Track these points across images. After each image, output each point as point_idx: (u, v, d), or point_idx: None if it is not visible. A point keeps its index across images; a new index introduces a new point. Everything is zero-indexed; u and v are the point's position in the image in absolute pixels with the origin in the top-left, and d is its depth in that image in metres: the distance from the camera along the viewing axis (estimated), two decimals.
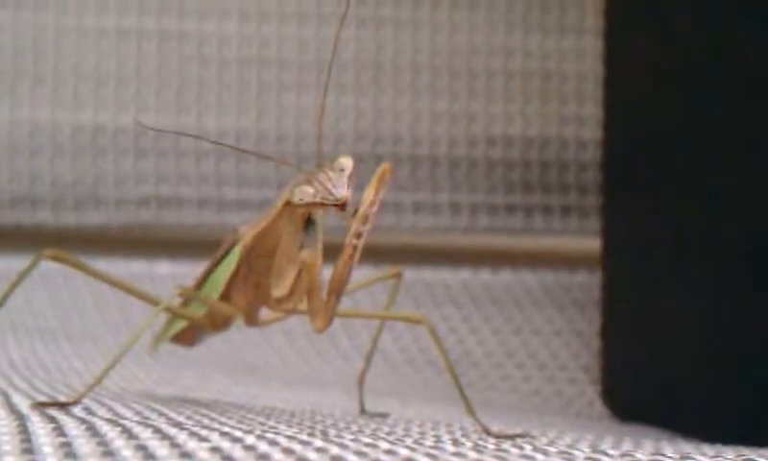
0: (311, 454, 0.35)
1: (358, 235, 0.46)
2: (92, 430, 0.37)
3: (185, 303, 0.54)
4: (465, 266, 1.01)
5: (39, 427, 0.38)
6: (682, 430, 0.78)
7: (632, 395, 0.87)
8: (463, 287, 1.00)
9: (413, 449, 0.37)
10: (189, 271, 0.97)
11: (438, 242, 1.02)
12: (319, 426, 0.47)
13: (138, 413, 0.46)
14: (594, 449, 0.42)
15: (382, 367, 0.91)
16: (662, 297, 0.83)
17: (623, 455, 0.39)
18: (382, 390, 0.80)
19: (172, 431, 0.38)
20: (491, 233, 1.02)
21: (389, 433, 0.46)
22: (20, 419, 0.39)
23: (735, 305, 0.76)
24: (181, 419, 0.45)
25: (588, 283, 0.99)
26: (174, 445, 0.35)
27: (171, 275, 0.99)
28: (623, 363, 0.89)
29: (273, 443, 0.37)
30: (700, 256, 0.79)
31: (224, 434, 0.38)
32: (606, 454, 0.39)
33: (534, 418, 0.77)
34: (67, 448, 0.34)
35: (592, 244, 0.95)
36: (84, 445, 0.35)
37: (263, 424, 0.46)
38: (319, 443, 0.37)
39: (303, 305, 0.50)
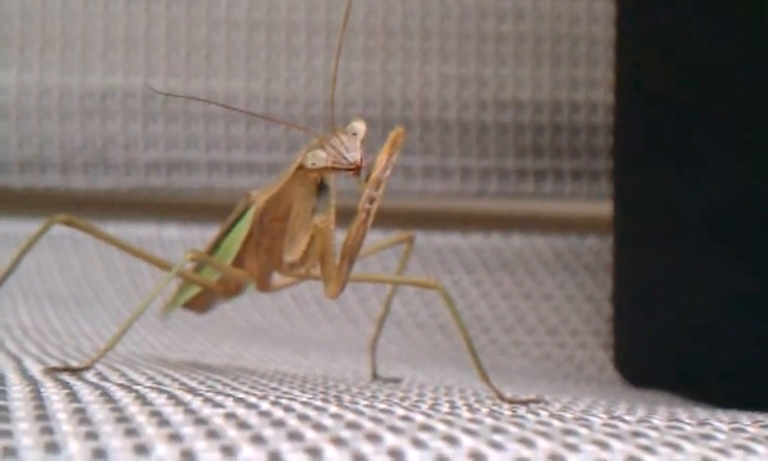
0: (326, 420, 0.34)
1: (371, 200, 0.46)
2: (106, 396, 0.37)
3: (197, 269, 0.54)
4: (475, 231, 1.01)
5: (53, 393, 0.37)
6: (692, 395, 0.78)
7: (642, 360, 0.87)
8: (473, 252, 1.00)
9: (429, 416, 0.37)
10: (199, 235, 0.97)
11: (448, 207, 1.02)
12: (332, 392, 0.47)
13: (151, 378, 0.46)
14: (610, 415, 0.42)
15: (392, 331, 0.91)
16: (673, 261, 0.82)
17: (640, 422, 0.39)
18: (393, 355, 0.80)
19: (186, 397, 0.38)
20: (501, 198, 1.01)
21: (403, 399, 0.46)
22: (33, 384, 0.39)
23: (747, 269, 0.76)
24: (194, 384, 0.45)
25: (599, 248, 0.99)
26: (188, 411, 0.35)
27: (180, 239, 0.98)
28: (634, 328, 0.88)
29: (288, 409, 0.36)
30: (712, 220, 0.78)
31: (238, 400, 0.38)
32: (622, 420, 0.39)
33: (545, 383, 0.77)
34: (81, 415, 0.34)
35: (603, 208, 0.95)
36: (98, 411, 0.34)
37: (276, 390, 0.46)
38: (334, 409, 0.37)
39: (316, 271, 0.49)
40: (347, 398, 0.44)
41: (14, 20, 0.98)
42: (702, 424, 0.39)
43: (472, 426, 0.35)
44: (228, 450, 0.30)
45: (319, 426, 0.33)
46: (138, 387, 0.40)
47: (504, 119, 1.01)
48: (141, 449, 0.30)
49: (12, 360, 0.48)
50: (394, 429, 0.33)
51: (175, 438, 0.31)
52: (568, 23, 1.01)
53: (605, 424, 0.37)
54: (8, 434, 0.31)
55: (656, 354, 0.85)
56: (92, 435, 0.31)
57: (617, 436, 0.34)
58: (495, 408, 0.43)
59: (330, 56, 0.99)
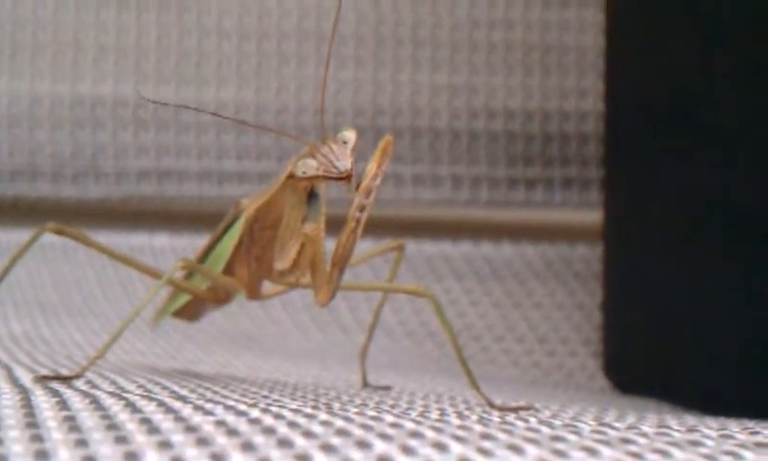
0: (316, 427, 0.35)
1: (361, 208, 0.46)
2: (96, 404, 0.37)
3: (188, 277, 0.54)
4: (465, 239, 1.01)
5: (43, 401, 0.37)
6: (683, 403, 0.78)
7: (633, 367, 0.87)
8: (463, 260, 1.00)
9: (418, 423, 0.37)
10: (189, 244, 0.97)
11: (438, 215, 1.02)
12: (322, 400, 0.47)
13: (141, 387, 0.46)
14: (599, 422, 0.42)
15: (383, 340, 0.91)
16: (663, 269, 0.82)
17: (629, 428, 0.39)
18: (383, 363, 0.80)
19: (176, 405, 0.38)
20: (492, 206, 1.02)
21: (393, 406, 0.46)
22: (23, 393, 0.39)
23: (737, 278, 0.76)
24: (185, 392, 0.45)
25: (590, 256, 0.99)
26: (178, 418, 0.35)
27: (171, 247, 0.98)
28: (624, 336, 0.88)
29: (278, 416, 0.36)
30: (701, 228, 0.79)
31: (228, 408, 0.38)
32: (611, 427, 0.39)
33: (535, 391, 0.77)
34: (71, 422, 0.34)
35: (594, 217, 0.95)
36: (87, 419, 0.35)
37: (267, 398, 0.46)
38: (323, 416, 0.37)
39: (306, 279, 0.49)
40: (336, 405, 0.44)
41: (5, 28, 0.98)
42: (691, 430, 0.39)
43: (461, 433, 0.35)
44: (218, 458, 0.30)
45: (308, 434, 0.33)
46: (128, 395, 0.41)
47: (494, 128, 1.01)
48: (131, 457, 0.30)
49: (2, 368, 0.48)
50: (383, 436, 0.33)
51: (165, 445, 0.31)
52: (558, 32, 1.02)
53: (594, 431, 0.37)
54: None
55: (646, 362, 0.85)
56: (82, 443, 0.31)
57: (606, 442, 0.34)
58: (485, 415, 0.44)
59: (321, 64, 0.99)
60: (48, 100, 0.98)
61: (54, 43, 0.99)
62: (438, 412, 0.44)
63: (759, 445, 0.36)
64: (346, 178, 0.46)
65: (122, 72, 0.99)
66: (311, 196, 0.49)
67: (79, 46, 0.99)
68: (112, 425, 0.34)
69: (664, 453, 0.33)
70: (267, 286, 0.53)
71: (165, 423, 0.34)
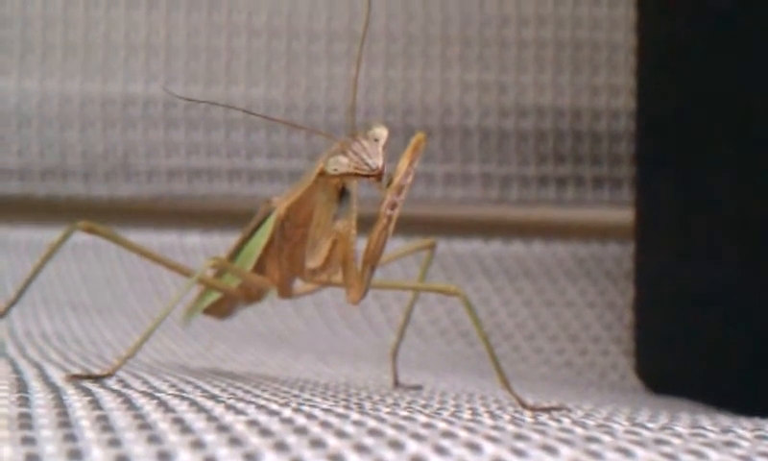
0: (349, 428, 0.34)
1: (393, 206, 0.46)
2: (128, 403, 0.37)
3: (218, 275, 0.54)
4: (496, 238, 1.01)
5: (75, 400, 0.37)
6: (715, 403, 0.77)
7: (665, 367, 0.87)
8: (494, 259, 0.99)
9: (451, 423, 0.36)
10: (220, 242, 0.97)
11: (469, 214, 1.02)
12: (354, 399, 0.47)
13: (173, 386, 0.46)
14: (632, 422, 0.42)
15: (414, 339, 0.90)
16: (695, 268, 0.82)
17: (662, 429, 0.39)
18: (415, 362, 0.80)
19: (208, 404, 0.38)
20: (522, 205, 1.01)
21: (425, 406, 0.46)
22: (55, 391, 0.39)
23: None
24: (216, 391, 0.45)
25: (621, 255, 0.99)
26: (210, 418, 0.35)
27: (202, 246, 0.98)
28: (656, 335, 0.88)
29: (310, 416, 0.36)
30: (733, 227, 0.78)
31: (260, 407, 0.38)
32: (644, 427, 0.39)
33: (567, 390, 0.77)
34: (104, 422, 0.34)
35: (625, 215, 0.95)
36: (120, 418, 0.34)
37: (298, 397, 0.45)
38: (356, 416, 0.37)
39: (338, 277, 0.49)
40: (368, 405, 0.44)
41: (35, 27, 0.98)
42: (725, 431, 0.39)
43: (494, 433, 0.34)
44: (251, 457, 0.30)
45: (341, 434, 0.33)
46: (160, 394, 0.41)
47: (525, 126, 1.01)
48: (164, 456, 0.30)
49: (34, 367, 0.48)
50: (416, 436, 0.33)
51: (197, 445, 0.31)
52: (589, 29, 1.01)
53: (627, 432, 0.37)
54: (31, 441, 0.31)
55: (678, 361, 0.85)
56: (115, 442, 0.31)
57: (640, 443, 0.34)
58: (517, 415, 0.43)
59: (351, 63, 0.99)
60: (79, 99, 0.98)
61: (84, 42, 0.99)
62: (470, 412, 0.44)
63: None
64: (377, 175, 0.46)
65: (152, 71, 0.99)
66: (342, 193, 0.48)
67: (109, 45, 0.99)
68: (145, 425, 0.33)
69: (699, 454, 0.33)
70: (298, 284, 0.53)
71: (197, 422, 0.34)
